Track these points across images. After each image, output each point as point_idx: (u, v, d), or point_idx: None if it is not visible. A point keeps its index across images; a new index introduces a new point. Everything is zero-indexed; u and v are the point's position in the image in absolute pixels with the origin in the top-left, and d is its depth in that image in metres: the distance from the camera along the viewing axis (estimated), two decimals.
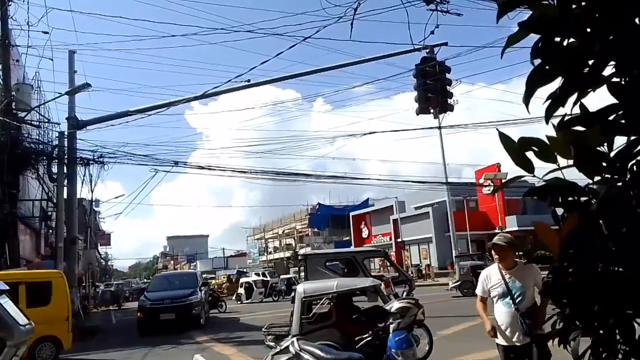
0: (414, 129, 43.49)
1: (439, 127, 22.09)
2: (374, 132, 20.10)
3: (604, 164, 1.22)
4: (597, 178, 1.27)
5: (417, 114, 13.99)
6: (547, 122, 1.23)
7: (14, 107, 16.06)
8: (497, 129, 1.26)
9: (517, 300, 4.29)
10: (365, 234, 49.34)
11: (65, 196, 16.29)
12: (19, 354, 7.22)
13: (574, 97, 1.20)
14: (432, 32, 10.30)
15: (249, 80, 14.82)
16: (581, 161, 1.20)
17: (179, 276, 21.54)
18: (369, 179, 58.37)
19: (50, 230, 23.59)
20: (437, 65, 13.51)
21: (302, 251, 13.21)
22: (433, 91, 13.56)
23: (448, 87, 13.95)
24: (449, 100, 14.08)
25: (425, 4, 9.85)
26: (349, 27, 9.45)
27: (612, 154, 1.25)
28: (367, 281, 7.45)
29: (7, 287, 8.24)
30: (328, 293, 6.84)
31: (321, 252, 17.00)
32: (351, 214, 51.55)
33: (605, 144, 1.25)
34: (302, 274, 13.32)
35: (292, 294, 9.62)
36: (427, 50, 13.54)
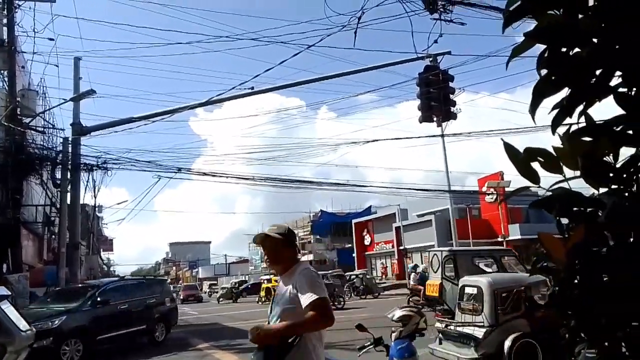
0: (417, 137, 43.50)
1: (442, 135, 22.10)
2: (377, 140, 20.13)
3: (611, 175, 1.22)
4: (602, 190, 1.27)
5: (420, 122, 14.01)
6: (553, 133, 1.22)
7: (19, 113, 16.15)
8: (502, 139, 1.26)
9: (271, 323, 2.98)
10: (367, 241, 49.23)
11: (68, 202, 16.33)
12: None
13: (580, 107, 1.20)
14: (436, 41, 10.35)
15: (252, 88, 14.89)
16: (589, 172, 1.19)
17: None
18: (371, 186, 58.44)
19: (53, 236, 23.63)
20: (440, 74, 13.55)
21: (446, 248, 13.14)
22: (436, 99, 13.59)
23: (451, 96, 13.98)
24: (452, 109, 14.10)
25: (429, 13, 9.88)
26: (352, 36, 9.49)
27: (618, 165, 1.24)
28: (534, 277, 8.21)
29: (10, 293, 8.25)
30: (519, 286, 7.51)
31: (467, 249, 17.02)
32: (353, 221, 51.46)
33: (611, 155, 1.24)
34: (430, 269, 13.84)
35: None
36: (431, 59, 13.59)
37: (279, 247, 3.04)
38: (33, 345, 7.93)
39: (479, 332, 7.24)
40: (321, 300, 2.77)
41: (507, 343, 6.62)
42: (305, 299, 2.75)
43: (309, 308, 2.72)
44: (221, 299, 38.09)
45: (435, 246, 39.22)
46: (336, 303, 23.25)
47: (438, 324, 8.47)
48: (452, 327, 7.94)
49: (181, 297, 43.95)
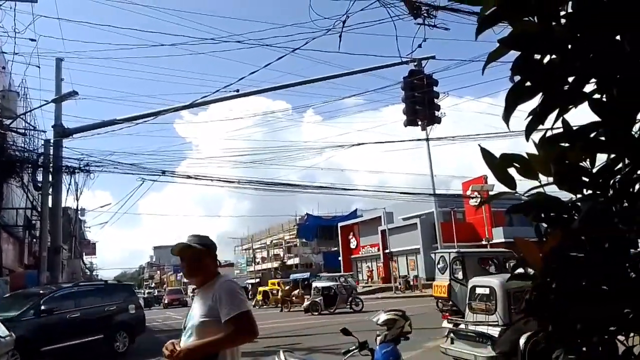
0: (402, 141, 43.74)
1: (427, 139, 22.27)
2: (362, 144, 20.27)
3: (587, 180, 1.23)
4: (580, 195, 1.28)
5: (405, 126, 14.07)
6: (527, 139, 1.23)
7: None
8: (479, 145, 1.26)
9: (186, 339, 2.79)
10: (353, 244, 49.32)
11: (50, 205, 16.09)
12: None
13: (556, 113, 1.20)
14: (420, 46, 10.43)
15: (237, 90, 14.85)
16: (561, 178, 1.20)
17: None
18: (357, 189, 58.46)
19: (34, 239, 23.26)
20: (424, 78, 13.64)
21: (454, 250, 13.46)
22: (421, 104, 13.67)
23: (435, 100, 14.07)
24: (437, 113, 14.18)
25: (413, 18, 9.94)
26: (338, 39, 9.51)
27: (594, 170, 1.25)
28: None
29: None
30: (529, 286, 7.63)
31: (474, 251, 17.60)
32: (339, 224, 51.53)
33: (588, 161, 1.25)
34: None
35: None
36: (415, 63, 13.68)
37: (201, 258, 2.88)
38: (13, 351, 7.78)
39: (494, 331, 7.41)
40: (243, 314, 2.68)
41: (522, 341, 6.77)
42: (226, 312, 2.65)
43: (231, 322, 2.63)
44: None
45: (421, 249, 39.46)
46: (353, 305, 22.92)
47: (447, 324, 8.65)
48: (464, 327, 8.10)
49: (165, 302, 43.27)
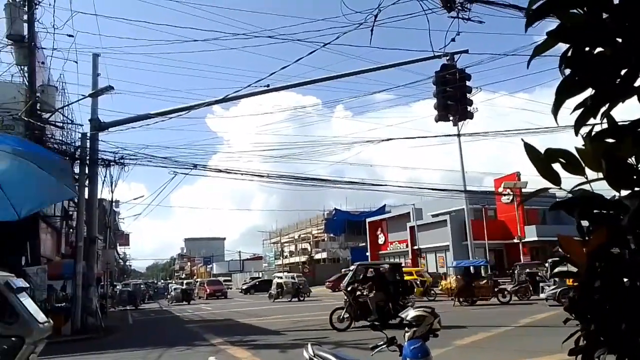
0: (433, 136, 43.22)
1: (458, 135, 21.91)
2: (391, 139, 19.97)
3: (635, 177, 1.19)
4: (624, 192, 1.24)
5: (437, 121, 13.90)
6: (576, 134, 1.20)
7: (38, 108, 16.40)
8: (522, 139, 1.24)
9: None
10: (381, 240, 49.08)
11: (86, 196, 16.54)
12: (36, 351, 7.32)
13: (604, 108, 1.17)
14: (453, 40, 10.24)
15: (268, 86, 14.91)
16: (612, 174, 1.17)
17: None
18: (387, 185, 58.16)
19: (71, 230, 23.99)
20: (457, 73, 13.41)
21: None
22: (452, 99, 13.46)
23: (468, 95, 13.83)
24: (469, 108, 13.95)
25: (446, 12, 9.78)
26: (369, 34, 9.44)
27: None
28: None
29: (28, 285, 8.38)
30: None
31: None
32: (367, 220, 51.33)
33: (634, 157, 1.21)
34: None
35: None
36: (448, 58, 13.45)
37: None
38: (50, 337, 8.03)
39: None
40: None
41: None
42: None
43: None
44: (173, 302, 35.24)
45: (450, 247, 39.00)
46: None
47: None
48: None
49: (207, 292, 40.08)
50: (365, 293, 14.06)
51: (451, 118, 14.52)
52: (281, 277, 34.15)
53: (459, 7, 9.83)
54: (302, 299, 30.09)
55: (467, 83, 13.76)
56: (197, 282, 52.26)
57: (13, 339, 6.84)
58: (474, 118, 14.67)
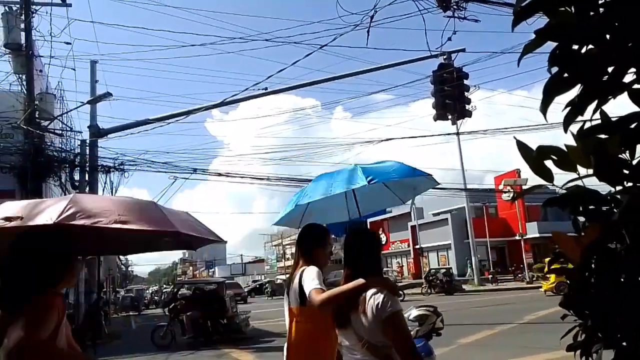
0: (432, 135, 43.27)
1: (457, 133, 21.94)
2: (391, 139, 20.05)
3: (627, 173, 1.20)
4: (619, 187, 1.25)
5: (435, 120, 13.92)
6: (565, 131, 1.20)
7: (37, 116, 16.42)
8: (514, 137, 1.25)
9: None
10: (383, 240, 49.11)
11: None
12: None
13: (594, 105, 1.18)
14: (449, 39, 10.24)
15: (266, 89, 14.92)
16: (601, 170, 1.18)
17: None
18: None
19: None
20: (454, 72, 13.45)
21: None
22: (451, 97, 13.49)
23: (466, 94, 13.86)
24: (467, 107, 13.98)
25: (442, 11, 9.80)
26: (365, 35, 9.44)
27: (634, 162, 1.22)
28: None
29: None
30: None
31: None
32: (369, 220, 51.34)
33: (628, 152, 1.22)
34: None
35: None
36: (445, 57, 13.48)
37: None
38: None
39: None
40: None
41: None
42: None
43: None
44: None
45: (452, 245, 39.00)
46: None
47: None
48: None
49: None
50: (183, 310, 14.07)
51: (450, 117, 14.55)
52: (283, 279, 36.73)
53: (455, 7, 9.85)
54: None
55: (465, 82, 13.80)
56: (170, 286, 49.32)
57: None
58: (473, 116, 14.73)
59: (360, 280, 2.40)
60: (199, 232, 3.37)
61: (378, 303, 2.31)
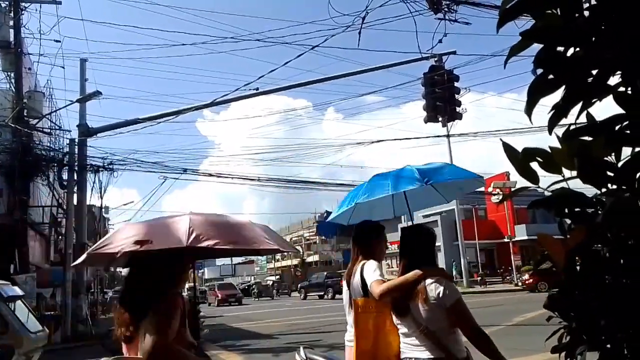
0: (423, 137, 43.47)
1: (448, 136, 22.06)
2: (382, 140, 20.15)
3: (612, 175, 1.20)
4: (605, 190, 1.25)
5: (426, 122, 14.00)
6: (550, 133, 1.21)
7: (25, 114, 16.27)
8: (501, 140, 1.25)
9: None
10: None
11: (75, 203, 16.40)
12: None
13: (579, 107, 1.18)
14: (440, 41, 10.29)
15: (257, 89, 14.90)
16: (585, 172, 1.18)
17: None
18: None
19: (60, 237, 23.76)
20: (445, 74, 13.53)
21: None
22: (441, 99, 13.58)
23: (456, 96, 13.94)
24: (458, 109, 14.07)
25: (433, 13, 9.84)
26: (357, 36, 9.46)
27: (619, 164, 1.22)
28: None
29: (22, 293, 8.25)
30: None
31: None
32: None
33: (613, 155, 1.22)
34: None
35: None
36: (436, 59, 13.55)
37: None
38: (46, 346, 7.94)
39: None
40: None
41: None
42: None
43: None
44: None
45: (442, 247, 39.12)
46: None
47: None
48: None
49: (219, 298, 34.91)
50: None
51: (440, 119, 14.63)
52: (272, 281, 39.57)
53: (446, 9, 9.90)
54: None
55: (456, 84, 13.89)
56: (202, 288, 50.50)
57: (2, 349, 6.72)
58: (463, 119, 14.80)
59: (418, 271, 2.62)
60: (284, 247, 3.84)
61: (439, 292, 2.54)
